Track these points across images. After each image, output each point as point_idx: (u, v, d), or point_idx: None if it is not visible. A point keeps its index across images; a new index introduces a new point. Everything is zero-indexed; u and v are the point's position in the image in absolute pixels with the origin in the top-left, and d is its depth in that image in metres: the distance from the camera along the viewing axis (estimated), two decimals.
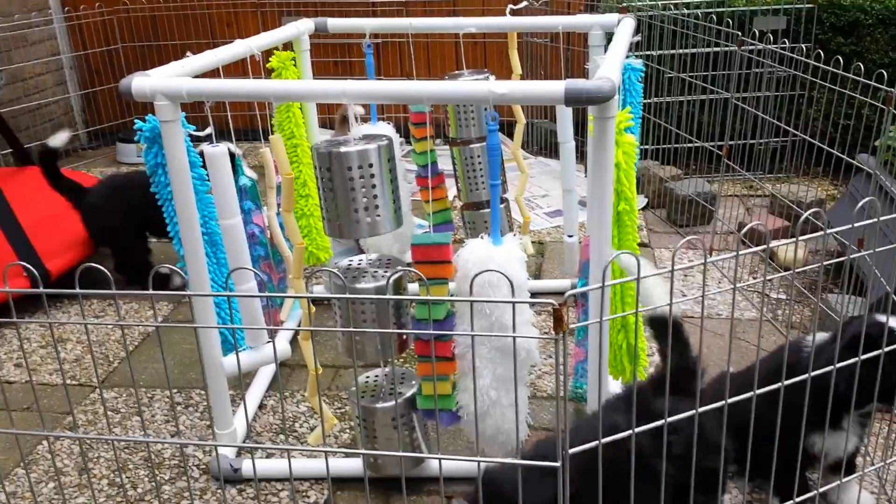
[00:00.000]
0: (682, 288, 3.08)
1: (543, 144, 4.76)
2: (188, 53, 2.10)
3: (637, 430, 1.23)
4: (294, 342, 2.68)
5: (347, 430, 2.31)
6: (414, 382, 1.94)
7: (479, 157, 2.72)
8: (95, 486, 2.13)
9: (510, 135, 3.15)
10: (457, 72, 2.80)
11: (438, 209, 2.70)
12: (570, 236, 3.08)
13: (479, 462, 1.25)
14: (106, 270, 1.32)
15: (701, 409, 1.29)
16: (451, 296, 1.79)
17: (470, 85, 1.77)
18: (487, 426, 1.73)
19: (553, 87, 1.63)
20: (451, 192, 3.96)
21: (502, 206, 2.79)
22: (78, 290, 1.23)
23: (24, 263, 1.34)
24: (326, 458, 1.39)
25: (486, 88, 1.68)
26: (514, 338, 1.12)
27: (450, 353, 1.75)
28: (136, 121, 1.98)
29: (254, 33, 2.47)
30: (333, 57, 5.09)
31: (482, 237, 1.67)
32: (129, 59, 5.21)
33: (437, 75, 4.83)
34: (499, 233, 1.65)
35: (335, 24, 2.92)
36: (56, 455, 2.26)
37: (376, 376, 2.03)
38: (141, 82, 1.84)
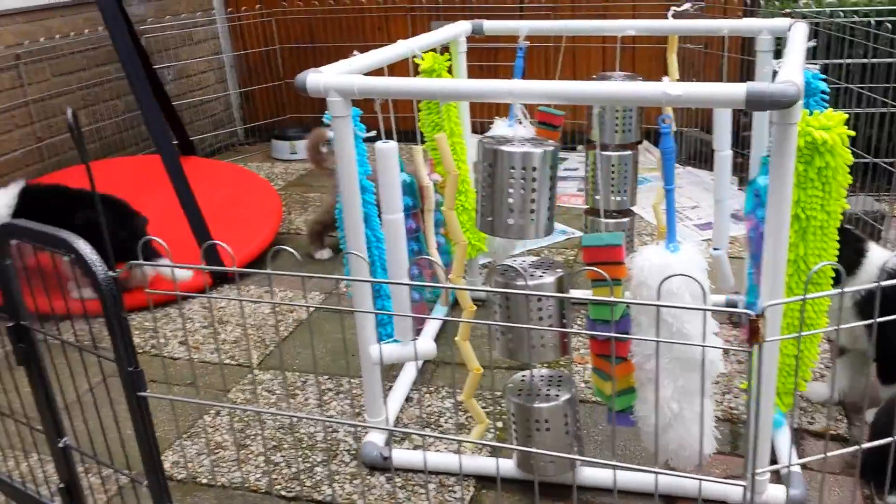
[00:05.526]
0: None
1: (693, 154, 4.62)
2: (354, 52, 2.16)
3: None
4: (440, 340, 2.72)
5: (492, 431, 2.32)
6: (571, 387, 1.91)
7: (614, 164, 2.68)
8: (252, 461, 2.24)
9: (656, 143, 3.08)
10: (606, 72, 2.76)
11: None
12: (717, 249, 2.94)
13: (656, 474, 1.21)
14: (296, 253, 1.39)
15: None
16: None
17: (642, 86, 1.73)
18: (671, 440, 1.65)
19: (733, 90, 1.57)
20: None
21: (628, 219, 2.73)
22: (269, 271, 1.30)
23: (222, 243, 1.42)
24: (497, 456, 1.39)
25: (661, 90, 1.65)
26: (704, 347, 1.08)
27: (626, 355, 1.72)
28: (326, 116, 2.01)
29: (403, 37, 2.51)
30: (479, 61, 5.13)
31: (657, 243, 1.63)
32: (285, 60, 5.46)
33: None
34: (675, 239, 1.61)
35: (491, 26, 2.94)
36: (217, 430, 2.39)
37: (531, 376, 1.99)
38: (315, 78, 1.91)
